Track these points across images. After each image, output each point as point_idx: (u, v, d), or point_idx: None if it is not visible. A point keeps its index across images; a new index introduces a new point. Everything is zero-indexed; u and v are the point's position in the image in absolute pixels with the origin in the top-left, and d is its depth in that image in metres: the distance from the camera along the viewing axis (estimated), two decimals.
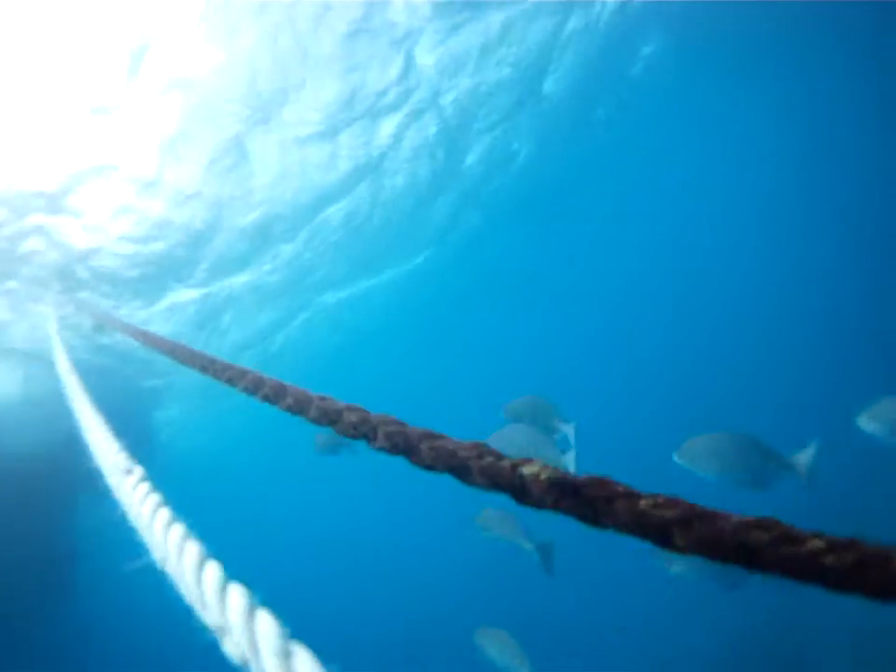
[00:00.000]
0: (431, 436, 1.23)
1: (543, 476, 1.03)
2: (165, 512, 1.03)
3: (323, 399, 1.43)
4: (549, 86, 13.82)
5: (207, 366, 1.98)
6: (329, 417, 1.38)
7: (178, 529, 0.96)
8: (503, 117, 14.06)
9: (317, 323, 18.56)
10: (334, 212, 14.20)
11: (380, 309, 19.70)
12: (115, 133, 9.51)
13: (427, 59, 11.25)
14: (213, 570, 0.83)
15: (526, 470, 1.05)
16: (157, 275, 12.54)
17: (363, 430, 1.31)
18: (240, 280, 14.48)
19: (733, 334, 27.82)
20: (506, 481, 1.08)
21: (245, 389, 1.70)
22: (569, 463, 7.05)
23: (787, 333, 25.68)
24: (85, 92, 8.77)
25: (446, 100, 12.56)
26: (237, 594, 0.76)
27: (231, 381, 1.80)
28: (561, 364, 29.38)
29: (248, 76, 9.81)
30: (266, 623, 0.69)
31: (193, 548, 0.89)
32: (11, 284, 10.68)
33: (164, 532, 0.98)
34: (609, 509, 0.93)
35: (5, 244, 9.96)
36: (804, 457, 5.70)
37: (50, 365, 12.09)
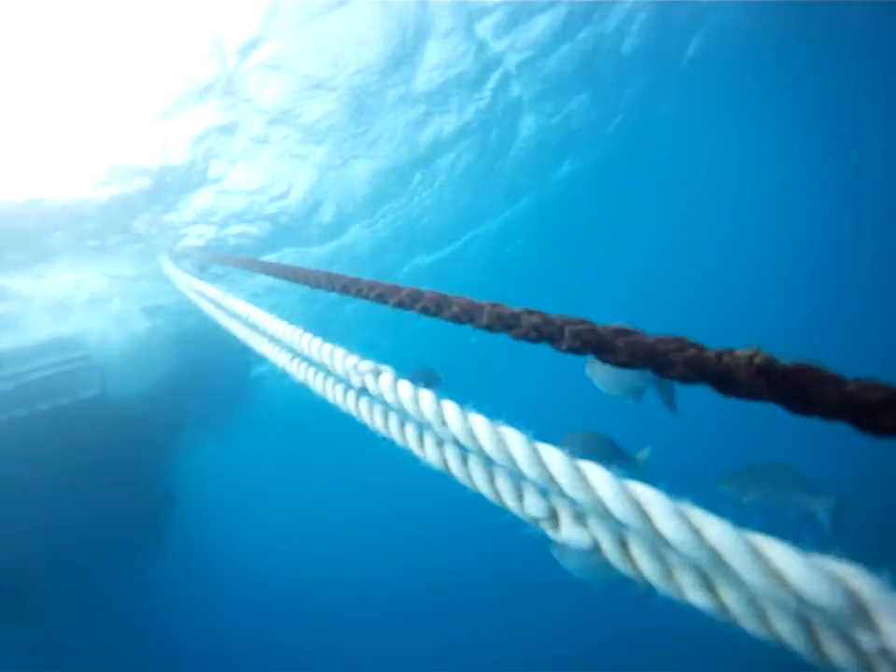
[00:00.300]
0: (625, 331, 1.18)
1: (756, 360, 0.98)
2: (450, 403, 1.00)
3: (495, 305, 1.39)
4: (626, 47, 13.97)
5: (349, 285, 1.97)
6: (505, 322, 1.34)
7: (478, 417, 0.93)
8: (591, 78, 14.41)
9: (423, 271, 19.07)
10: (441, 165, 14.75)
11: (477, 261, 20.12)
12: (236, 103, 9.84)
13: (526, 25, 11.62)
14: (549, 449, 0.80)
15: (734, 358, 1.00)
16: (273, 236, 13.13)
17: (547, 332, 1.26)
18: (351, 234, 15.01)
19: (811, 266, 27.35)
20: (712, 371, 1.03)
21: (400, 304, 1.67)
22: (649, 382, 7.06)
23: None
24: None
25: (545, 62, 12.99)
26: (593, 468, 0.74)
27: (380, 298, 1.77)
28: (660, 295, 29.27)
29: (367, 40, 10.06)
30: (645, 491, 0.66)
31: (512, 432, 0.86)
32: (136, 247, 11.29)
33: (461, 421, 0.94)
34: (819, 393, 0.89)
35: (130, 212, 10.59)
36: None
37: (154, 310, 12.73)
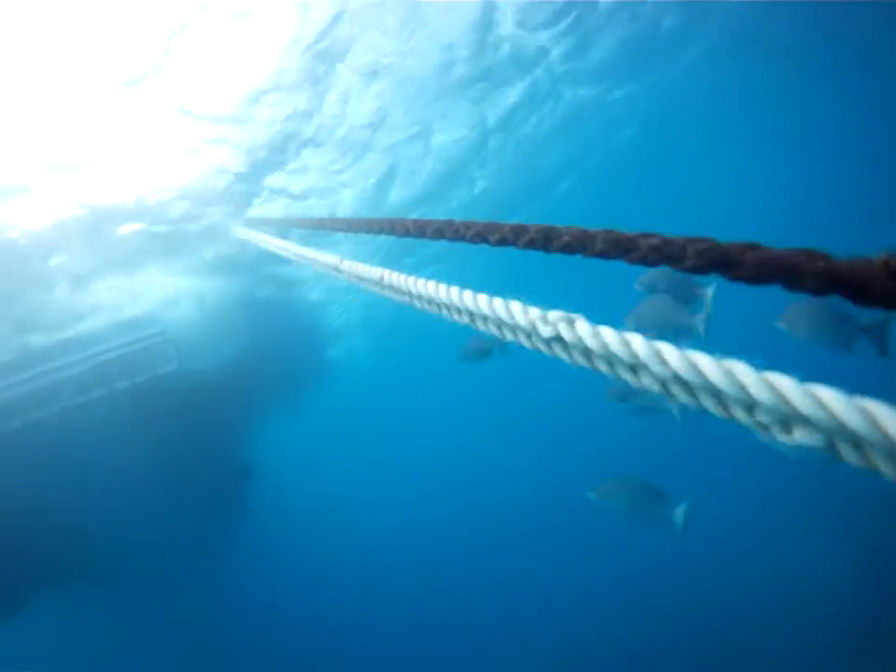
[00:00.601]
0: (751, 247, 1.18)
1: (892, 264, 0.98)
2: (665, 345, 1.00)
3: (608, 231, 1.39)
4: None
5: (443, 229, 1.98)
6: (622, 247, 1.34)
7: (697, 354, 0.94)
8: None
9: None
10: (497, 143, 15.12)
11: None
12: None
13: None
14: (777, 376, 0.83)
15: (867, 264, 1.00)
16: (342, 214, 13.45)
17: (668, 253, 1.26)
18: (419, 212, 15.43)
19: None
20: (845, 280, 1.03)
21: (502, 241, 1.68)
22: (699, 324, 7.17)
23: None
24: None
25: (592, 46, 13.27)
26: (823, 389, 0.77)
27: (479, 237, 1.79)
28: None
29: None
30: (875, 405, 0.70)
31: (736, 364, 0.87)
32: (212, 226, 11.71)
33: (682, 360, 0.95)
34: None
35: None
36: (876, 323, 6.25)
37: (231, 281, 13.06)
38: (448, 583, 23.45)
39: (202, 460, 12.07)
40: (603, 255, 1.40)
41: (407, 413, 32.82)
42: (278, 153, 10.94)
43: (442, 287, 1.63)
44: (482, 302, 1.44)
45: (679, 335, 7.53)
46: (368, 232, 2.71)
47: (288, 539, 23.48)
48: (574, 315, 1.19)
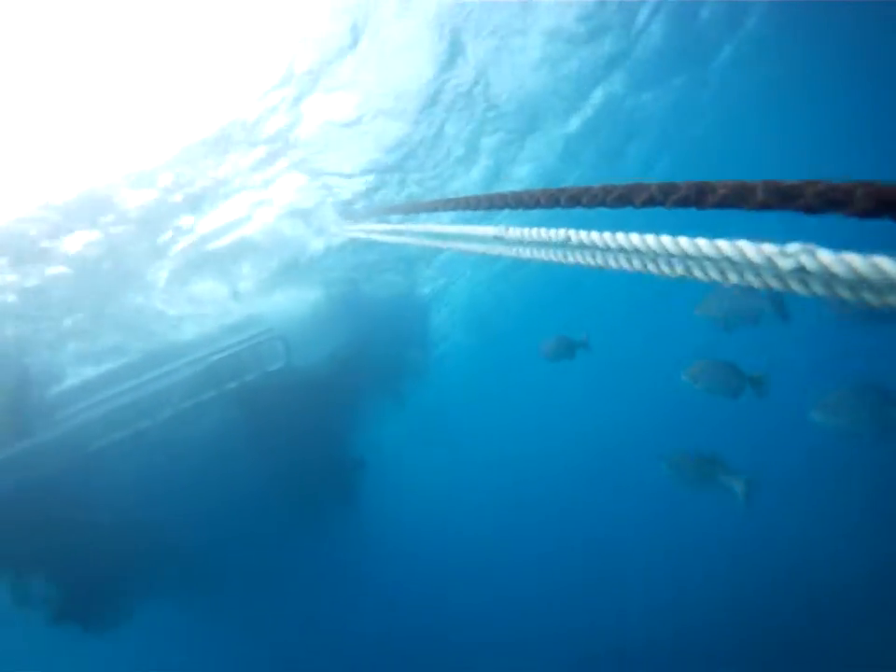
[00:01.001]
0: None
1: None
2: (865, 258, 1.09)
3: (768, 181, 1.45)
4: None
5: (579, 196, 2.04)
6: (786, 195, 1.39)
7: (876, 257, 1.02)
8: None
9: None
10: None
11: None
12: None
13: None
14: None
15: None
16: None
17: (833, 197, 1.32)
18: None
19: None
20: None
21: (650, 202, 1.73)
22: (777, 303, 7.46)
23: None
24: None
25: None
26: None
27: (622, 200, 1.83)
28: None
29: None
30: None
31: None
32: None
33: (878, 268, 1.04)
34: None
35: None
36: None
37: (336, 279, 13.70)
38: (551, 565, 23.82)
39: (315, 455, 12.19)
40: (765, 206, 1.45)
41: (507, 403, 33.49)
42: (401, 170, 11.46)
43: (651, 238, 1.61)
44: (703, 246, 1.45)
45: (750, 321, 7.59)
46: (489, 208, 2.79)
47: (401, 530, 24.07)
48: (811, 246, 1.25)
